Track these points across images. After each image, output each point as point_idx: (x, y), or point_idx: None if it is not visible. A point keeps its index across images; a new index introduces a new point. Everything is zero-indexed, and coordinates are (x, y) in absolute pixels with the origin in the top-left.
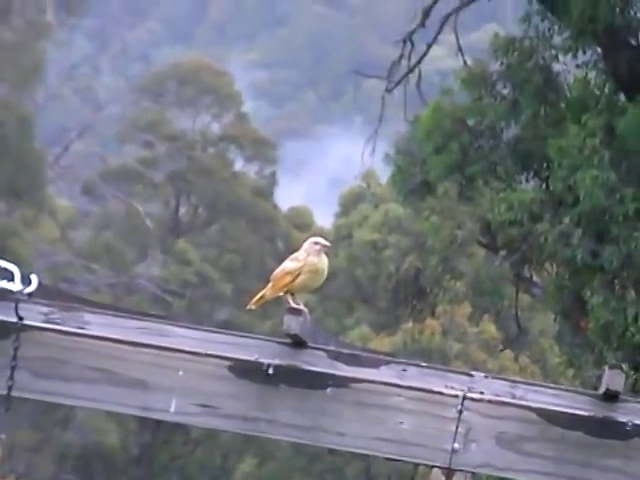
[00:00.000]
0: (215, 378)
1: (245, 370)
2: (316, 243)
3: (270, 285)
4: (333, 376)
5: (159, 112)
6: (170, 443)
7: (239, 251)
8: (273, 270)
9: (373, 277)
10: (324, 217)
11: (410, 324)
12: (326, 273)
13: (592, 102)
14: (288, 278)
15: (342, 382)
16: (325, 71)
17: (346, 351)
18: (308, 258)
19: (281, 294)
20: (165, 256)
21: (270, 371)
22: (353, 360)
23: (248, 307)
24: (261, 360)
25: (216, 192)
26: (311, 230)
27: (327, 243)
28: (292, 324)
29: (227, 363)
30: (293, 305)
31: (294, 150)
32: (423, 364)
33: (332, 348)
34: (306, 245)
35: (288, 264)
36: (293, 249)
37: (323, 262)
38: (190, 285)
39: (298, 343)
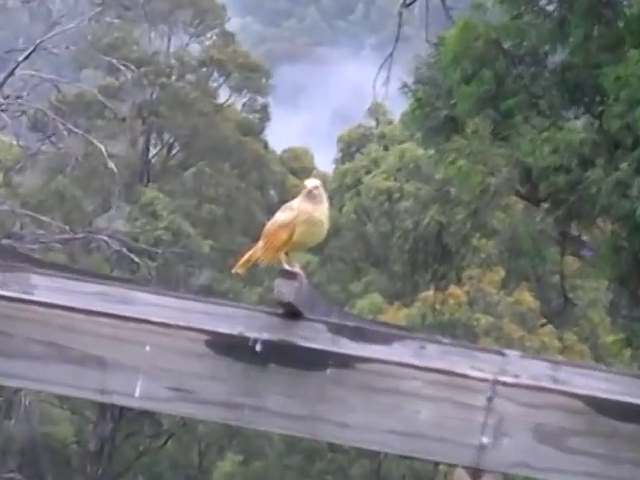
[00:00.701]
0: (190, 355)
1: (227, 346)
2: (305, 186)
3: (261, 244)
4: (335, 354)
5: (126, 30)
6: (135, 435)
7: (222, 201)
8: (264, 225)
9: (386, 234)
10: (327, 160)
11: (430, 292)
12: (326, 225)
13: None
14: (283, 234)
15: (346, 362)
16: None
17: (351, 324)
18: (302, 205)
19: (276, 255)
20: (132, 207)
21: (257, 347)
22: (360, 335)
23: (233, 270)
24: (247, 334)
25: (195, 129)
26: (311, 176)
27: (316, 182)
28: (285, 290)
29: (205, 337)
30: (286, 267)
31: (291, 78)
32: (445, 340)
33: (334, 320)
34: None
35: (280, 215)
36: (288, 200)
37: (321, 211)
38: (162, 242)
39: (292, 314)
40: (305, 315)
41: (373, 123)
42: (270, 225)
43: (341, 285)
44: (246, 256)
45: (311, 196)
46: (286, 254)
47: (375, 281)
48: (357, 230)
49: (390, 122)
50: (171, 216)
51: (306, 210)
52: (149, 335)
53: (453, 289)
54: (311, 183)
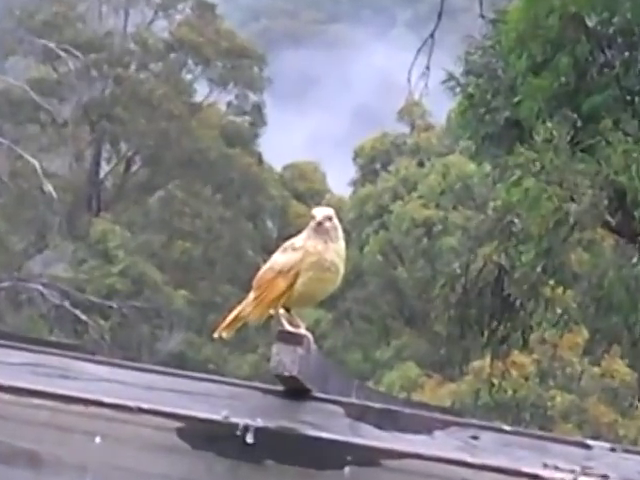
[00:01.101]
0: (156, 450)
1: (207, 437)
2: (313, 217)
3: (253, 296)
4: (355, 447)
5: (67, 3)
6: None
7: (200, 237)
8: (257, 269)
9: (424, 282)
10: (342, 180)
11: (486, 361)
12: (341, 270)
13: None
14: (283, 282)
15: (370, 457)
16: None
17: (377, 405)
18: (308, 243)
19: (271, 312)
20: (76, 245)
21: (249, 438)
22: (389, 420)
23: (216, 334)
24: (234, 419)
25: (162, 137)
26: (322, 202)
27: (328, 212)
28: (286, 359)
29: (177, 425)
30: (288, 328)
31: (294, 67)
32: (507, 428)
33: (353, 400)
34: (308, 226)
35: (279, 257)
36: (292, 233)
37: (334, 250)
38: (117, 294)
39: (296, 391)
40: (314, 393)
41: (406, 129)
42: (266, 270)
43: (363, 351)
44: (233, 313)
45: (321, 230)
46: (287, 310)
47: (410, 345)
48: (385, 276)
49: (429, 128)
50: (130, 257)
51: (315, 250)
52: (99, 422)
53: (517, 357)
54: (321, 212)
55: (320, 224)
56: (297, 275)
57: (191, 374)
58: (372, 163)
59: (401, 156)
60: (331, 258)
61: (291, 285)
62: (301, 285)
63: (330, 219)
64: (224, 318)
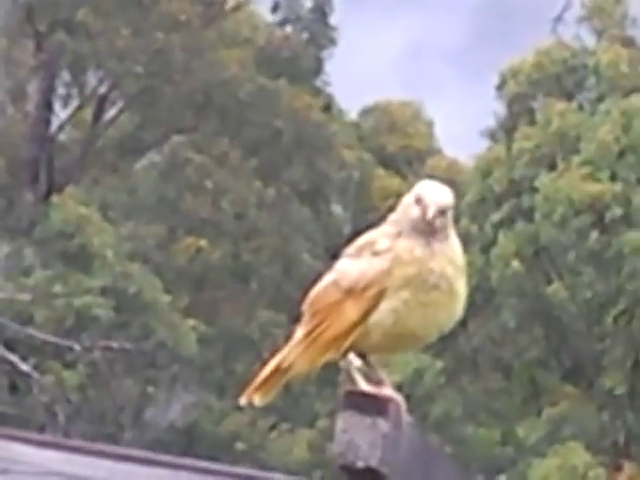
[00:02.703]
0: None
1: None
2: (419, 200)
3: (303, 331)
4: None
5: None
6: None
7: (224, 229)
8: (314, 284)
9: (595, 305)
10: (457, 133)
11: None
12: (461, 288)
13: None
14: (352, 310)
15: None
16: None
17: None
18: (400, 244)
19: (334, 356)
20: (15, 243)
21: None
22: None
23: (243, 400)
24: None
25: (160, 60)
26: (424, 170)
27: (447, 201)
28: (360, 441)
29: None
30: (364, 387)
31: None
32: None
33: None
34: (400, 209)
35: (350, 267)
36: (372, 224)
37: (444, 255)
38: (86, 325)
39: None
40: None
41: (568, 47)
42: (327, 287)
43: (496, 425)
44: (271, 364)
45: (427, 227)
46: (363, 357)
47: (573, 416)
48: (528, 297)
49: (620, 41)
50: (108, 264)
51: (411, 256)
52: None
53: None
54: (435, 199)
55: (429, 218)
56: (380, 296)
57: (199, 464)
58: (510, 104)
59: (555, 95)
60: (441, 269)
61: (368, 313)
62: (388, 314)
63: (444, 212)
64: (258, 372)
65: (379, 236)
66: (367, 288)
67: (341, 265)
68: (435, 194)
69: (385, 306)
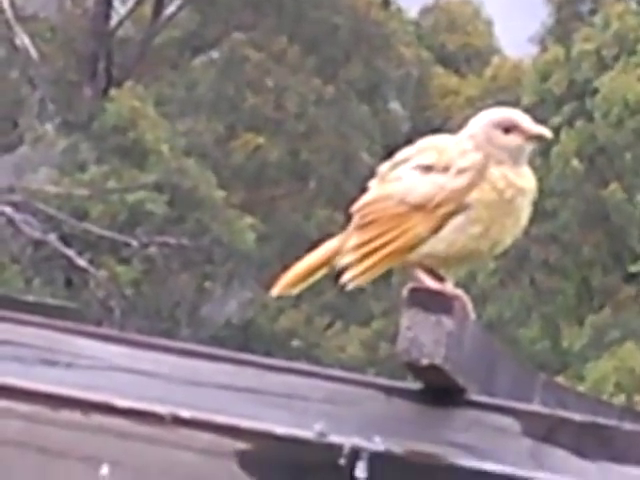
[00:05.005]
0: None
1: (291, 466)
2: (515, 127)
3: (359, 239)
4: None
5: None
6: None
7: (283, 127)
8: (366, 188)
9: None
10: (519, 33)
11: None
12: (527, 208)
13: None
14: (421, 227)
15: None
16: None
17: (578, 417)
18: (482, 157)
19: (393, 265)
20: (72, 138)
21: (360, 472)
22: (597, 442)
23: (275, 292)
24: (334, 439)
25: None
26: (485, 70)
27: (546, 132)
28: (425, 338)
29: (237, 446)
30: (429, 283)
31: None
32: None
33: (537, 408)
34: (478, 126)
35: (420, 181)
36: (434, 128)
37: (528, 178)
38: (142, 221)
39: (441, 391)
40: (471, 395)
41: None
42: (387, 198)
43: (552, 326)
44: (318, 253)
45: (512, 145)
46: (432, 271)
47: (633, 317)
48: (586, 199)
49: None
50: (165, 159)
51: (501, 176)
52: (108, 441)
53: None
54: (530, 124)
55: (541, 136)
56: (453, 214)
57: (262, 360)
58: (570, 3)
59: None
60: (523, 185)
61: (437, 230)
62: (460, 233)
63: (516, 127)
64: (300, 262)
65: (450, 145)
66: (441, 206)
67: (409, 177)
68: (528, 122)
69: (458, 224)
